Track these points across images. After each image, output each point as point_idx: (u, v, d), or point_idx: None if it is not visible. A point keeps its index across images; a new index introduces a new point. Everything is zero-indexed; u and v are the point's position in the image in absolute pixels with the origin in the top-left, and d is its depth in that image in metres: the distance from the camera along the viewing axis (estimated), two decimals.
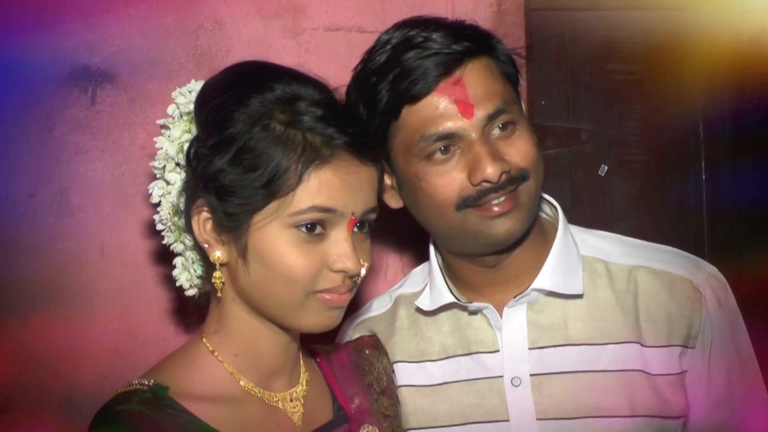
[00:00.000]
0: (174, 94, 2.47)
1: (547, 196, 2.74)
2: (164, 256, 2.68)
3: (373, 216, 2.39)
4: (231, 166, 2.29)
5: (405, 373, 2.69)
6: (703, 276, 2.61)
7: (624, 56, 3.46)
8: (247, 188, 2.28)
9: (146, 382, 2.32)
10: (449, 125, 2.46)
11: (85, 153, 2.91)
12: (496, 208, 2.48)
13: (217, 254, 2.35)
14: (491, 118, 2.47)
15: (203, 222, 2.35)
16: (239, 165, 2.29)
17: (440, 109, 2.46)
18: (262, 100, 2.32)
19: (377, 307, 2.83)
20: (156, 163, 2.44)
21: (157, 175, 2.45)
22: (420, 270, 2.79)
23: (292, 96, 2.34)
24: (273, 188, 2.27)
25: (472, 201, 2.47)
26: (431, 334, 2.70)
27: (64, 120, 2.91)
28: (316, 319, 2.35)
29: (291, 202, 2.27)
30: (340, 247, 2.31)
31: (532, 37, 3.39)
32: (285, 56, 3.04)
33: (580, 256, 2.64)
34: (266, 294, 2.33)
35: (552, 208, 2.72)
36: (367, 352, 2.70)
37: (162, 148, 2.44)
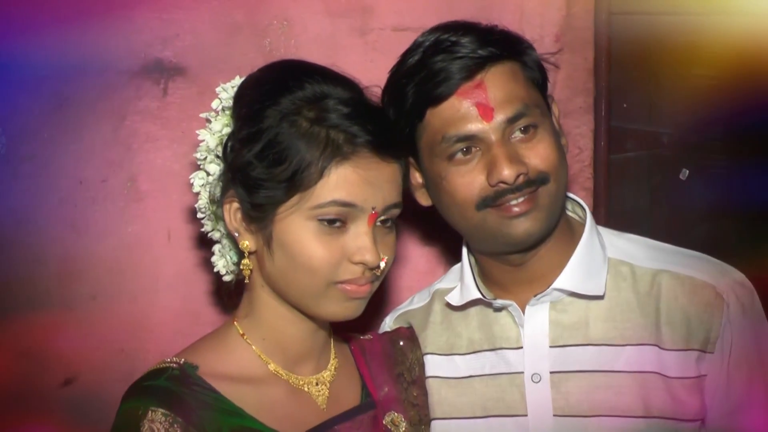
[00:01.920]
0: (218, 89, 2.62)
1: (575, 197, 2.81)
2: None
3: (395, 211, 2.52)
4: (258, 160, 2.44)
5: (434, 365, 2.80)
6: (727, 282, 2.65)
7: (707, 61, 3.46)
8: (272, 181, 2.43)
9: (177, 361, 2.49)
10: (470, 127, 2.55)
11: (155, 142, 3.09)
12: (515, 209, 2.56)
13: (246, 243, 2.50)
14: (511, 122, 2.56)
15: (234, 212, 2.50)
16: (266, 158, 2.44)
17: (461, 111, 2.56)
18: (292, 98, 2.47)
19: (417, 301, 2.95)
20: (198, 155, 2.60)
21: (200, 166, 2.59)
22: (457, 267, 2.89)
23: (320, 94, 2.48)
24: (296, 182, 2.42)
25: (491, 201, 2.56)
26: (460, 329, 2.80)
27: (136, 110, 3.11)
28: (336, 308, 2.49)
29: (313, 195, 2.42)
30: (360, 240, 2.44)
31: (611, 41, 3.42)
32: (352, 54, 3.16)
33: (605, 258, 2.70)
34: (289, 282, 2.47)
35: (581, 209, 2.76)
36: (401, 343, 2.82)
37: (204, 141, 2.59)
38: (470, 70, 2.55)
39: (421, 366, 2.81)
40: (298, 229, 2.44)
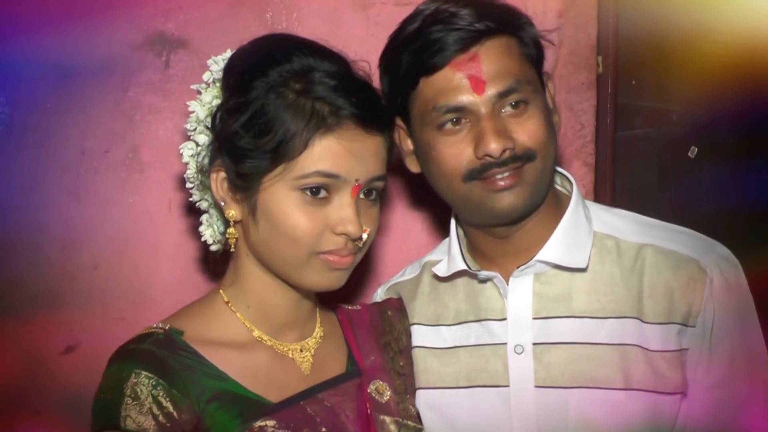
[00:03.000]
0: (209, 61, 2.68)
1: (564, 171, 2.84)
2: None
3: (379, 184, 2.58)
4: (245, 129, 2.50)
5: (420, 335, 2.85)
6: (712, 257, 2.67)
7: (718, 38, 3.46)
8: (257, 151, 2.49)
9: (163, 326, 2.56)
10: (460, 99, 2.59)
11: (157, 113, 3.14)
12: (500, 183, 2.60)
13: (231, 212, 2.56)
14: (502, 96, 2.59)
15: (220, 181, 2.56)
16: (252, 128, 2.50)
17: (454, 82, 2.59)
18: (280, 71, 2.53)
19: (409, 273, 3.00)
20: (188, 125, 2.66)
21: (190, 137, 2.65)
22: (447, 239, 2.92)
23: (308, 68, 2.54)
24: (281, 152, 2.48)
25: (477, 174, 2.60)
26: (448, 300, 2.84)
27: (139, 82, 3.15)
28: (318, 278, 2.55)
29: (297, 166, 2.48)
30: (343, 212, 2.50)
31: (619, 18, 3.43)
32: (353, 29, 3.20)
33: (591, 231, 2.73)
34: (272, 251, 2.53)
35: (570, 183, 2.79)
36: (389, 313, 2.88)
37: (194, 112, 2.64)
38: (465, 42, 2.59)
39: (409, 336, 2.86)
40: (282, 198, 2.49)
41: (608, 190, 3.46)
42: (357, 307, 2.88)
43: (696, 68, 3.50)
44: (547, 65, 3.18)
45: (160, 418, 2.40)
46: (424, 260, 2.97)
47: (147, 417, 2.40)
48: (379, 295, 3.02)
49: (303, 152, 2.47)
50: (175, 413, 2.42)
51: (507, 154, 2.58)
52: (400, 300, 2.93)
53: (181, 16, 3.16)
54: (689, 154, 3.53)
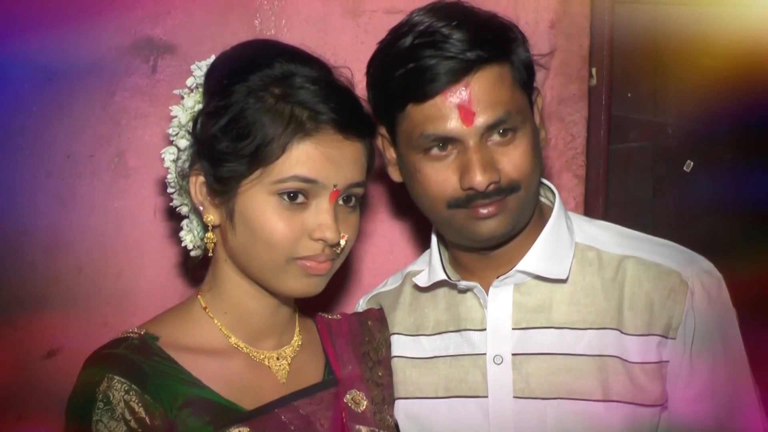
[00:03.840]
0: (193, 66, 2.68)
1: (547, 182, 2.82)
2: None
3: (358, 190, 2.57)
4: (223, 133, 2.50)
5: (400, 345, 2.83)
6: (694, 270, 2.66)
7: (714, 51, 3.46)
8: (236, 155, 2.48)
9: (138, 331, 2.55)
10: (449, 128, 2.57)
11: (144, 118, 3.13)
12: (483, 211, 2.58)
13: (210, 216, 2.56)
14: (491, 127, 2.57)
15: (199, 185, 2.56)
16: (231, 132, 2.50)
17: (443, 111, 2.57)
18: (260, 76, 2.53)
19: (391, 283, 2.99)
20: (170, 130, 2.65)
21: (172, 141, 2.65)
22: (429, 250, 2.90)
23: (288, 73, 2.54)
24: (259, 156, 2.47)
25: (462, 203, 2.59)
26: (428, 310, 2.83)
27: (126, 86, 3.14)
28: (295, 284, 2.54)
29: (274, 170, 2.47)
30: (321, 217, 2.49)
31: (614, 30, 3.42)
32: (343, 36, 3.19)
33: (572, 242, 2.72)
34: (250, 256, 2.53)
35: (552, 194, 2.77)
36: (369, 323, 2.87)
37: (176, 116, 2.63)
38: (457, 73, 2.55)
39: (389, 346, 2.85)
40: (260, 203, 2.48)
41: (601, 203, 3.44)
42: (337, 316, 2.87)
43: (692, 81, 3.50)
44: (538, 76, 3.18)
45: (132, 423, 2.39)
46: (406, 270, 2.96)
47: (119, 422, 2.39)
48: (361, 305, 3.01)
49: (281, 157, 2.46)
50: (147, 419, 2.41)
51: (492, 187, 2.56)
52: (381, 310, 2.92)
53: (169, 21, 3.15)
54: (685, 168, 3.52)
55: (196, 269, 2.70)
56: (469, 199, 2.57)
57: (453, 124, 2.56)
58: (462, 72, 2.55)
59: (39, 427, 3.04)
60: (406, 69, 2.57)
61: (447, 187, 2.59)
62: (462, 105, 2.55)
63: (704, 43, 3.45)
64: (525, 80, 2.66)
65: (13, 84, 3.07)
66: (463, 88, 2.55)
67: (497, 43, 2.61)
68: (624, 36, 3.45)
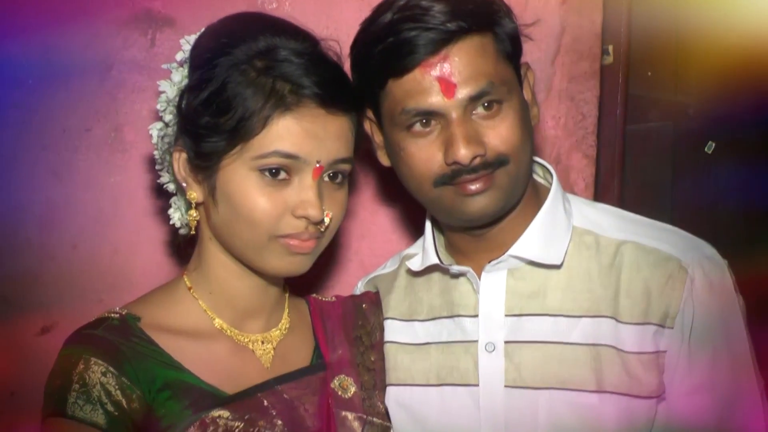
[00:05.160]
0: (182, 41, 2.62)
1: (544, 162, 2.73)
2: None
3: (345, 167, 2.50)
4: (204, 107, 2.44)
5: (393, 330, 2.76)
6: (695, 256, 2.55)
7: (740, 30, 3.34)
8: (217, 129, 2.43)
9: (120, 312, 2.50)
10: (430, 102, 2.49)
11: (141, 92, 3.06)
12: (471, 187, 2.50)
13: (193, 194, 2.50)
14: (473, 99, 2.48)
15: (182, 162, 2.51)
16: (212, 107, 2.44)
17: (423, 85, 2.49)
18: (244, 49, 2.47)
19: (389, 266, 2.92)
20: (159, 106, 2.60)
21: (161, 117, 2.59)
22: None
23: (272, 46, 2.47)
24: (239, 131, 2.41)
25: (448, 179, 2.51)
26: (422, 294, 2.76)
27: (123, 60, 3.07)
28: (279, 262, 2.48)
29: (255, 145, 2.41)
30: (304, 194, 2.43)
31: (633, 6, 3.32)
32: (346, 11, 3.10)
33: (569, 226, 2.63)
34: (233, 234, 2.47)
35: (549, 174, 2.68)
36: (364, 306, 2.80)
37: (164, 92, 2.57)
38: (436, 43, 2.47)
39: (382, 331, 2.78)
40: (241, 179, 2.42)
41: (616, 185, 3.35)
42: (332, 298, 2.81)
43: (715, 60, 3.40)
44: (548, 53, 3.11)
45: (108, 406, 2.35)
46: (403, 253, 2.89)
47: (95, 405, 2.34)
48: (359, 288, 2.94)
49: (261, 131, 2.40)
50: (123, 401, 2.36)
51: (477, 161, 2.48)
52: (377, 294, 2.84)
53: None
54: (706, 150, 3.42)
55: (184, 248, 2.64)
56: (455, 174, 2.49)
57: (434, 97, 2.47)
58: (441, 43, 2.47)
59: (32, 403, 2.99)
60: (385, 44, 2.50)
61: (432, 164, 2.51)
62: (442, 77, 2.47)
63: (727, 19, 3.34)
64: (510, 52, 2.57)
65: (8, 57, 3.02)
66: (443, 60, 2.47)
67: (479, 13, 2.52)
68: (643, 13, 3.35)
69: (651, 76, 3.42)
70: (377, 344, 2.74)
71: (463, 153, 2.45)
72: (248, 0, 3.10)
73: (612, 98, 3.32)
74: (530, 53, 3.11)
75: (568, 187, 3.19)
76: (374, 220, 3.21)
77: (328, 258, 3.13)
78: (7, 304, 3.06)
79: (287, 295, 2.68)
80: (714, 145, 3.41)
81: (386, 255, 3.03)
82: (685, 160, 3.46)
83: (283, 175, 2.41)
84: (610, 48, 3.31)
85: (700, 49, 3.39)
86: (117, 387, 2.36)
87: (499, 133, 2.50)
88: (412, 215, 3.12)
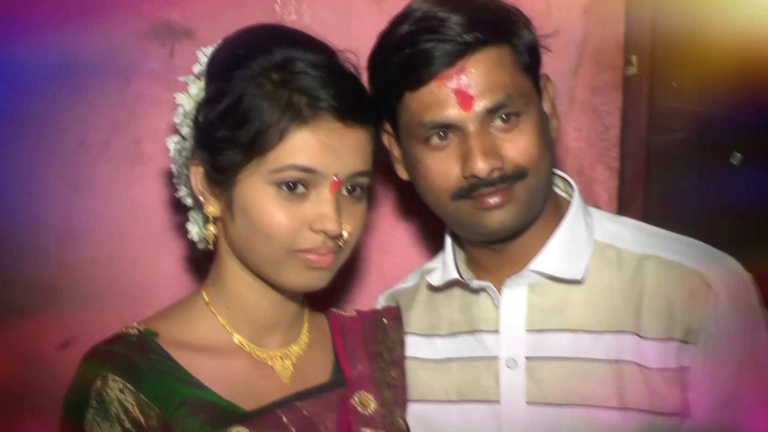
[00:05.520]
0: (198, 53, 2.60)
1: (565, 175, 2.71)
2: None
3: (363, 180, 2.47)
4: (221, 121, 2.42)
5: (414, 346, 2.73)
6: (719, 271, 2.51)
7: (764, 39, 3.27)
8: (233, 143, 2.40)
9: (138, 327, 2.48)
10: (447, 114, 2.46)
11: (160, 105, 3.04)
12: (489, 200, 2.48)
13: (211, 208, 2.49)
14: (491, 111, 2.46)
15: (199, 176, 2.49)
16: (228, 120, 2.41)
17: (440, 97, 2.47)
18: (261, 62, 2.44)
19: (410, 279, 2.89)
20: (176, 119, 2.58)
21: (178, 130, 2.58)
22: None
23: (289, 58, 2.45)
24: (256, 144, 2.39)
25: (466, 192, 2.49)
26: (443, 310, 2.73)
27: (142, 72, 3.07)
28: (297, 277, 2.45)
29: (272, 159, 2.39)
30: (321, 208, 2.40)
31: (657, 15, 3.29)
32: (366, 21, 3.07)
33: (591, 240, 2.60)
34: (251, 249, 2.44)
35: (570, 188, 2.66)
36: (385, 321, 2.77)
37: (181, 104, 2.55)
38: (453, 55, 2.45)
39: (403, 346, 2.75)
40: (258, 193, 2.40)
41: (640, 197, 3.31)
42: (352, 313, 2.78)
43: (741, 70, 3.35)
44: (570, 64, 3.08)
45: (126, 423, 2.33)
46: (423, 268, 2.87)
47: (112, 422, 2.32)
48: (380, 302, 2.91)
49: (278, 145, 2.38)
50: (141, 419, 2.34)
51: (495, 174, 2.45)
52: (398, 309, 2.82)
53: (187, 6, 3.08)
54: (732, 161, 3.37)
55: (202, 262, 2.62)
56: (473, 187, 2.47)
57: (451, 110, 2.45)
58: (458, 54, 2.45)
59: (52, 418, 2.99)
60: (402, 56, 2.49)
61: (449, 178, 2.49)
62: (459, 89, 2.45)
63: (754, 29, 3.29)
64: (528, 64, 2.54)
65: (27, 69, 3.02)
66: (460, 72, 2.45)
67: (496, 24, 2.50)
68: (667, 22, 3.31)
69: (676, 86, 3.38)
70: (398, 360, 2.71)
71: (481, 166, 2.43)
72: (267, 11, 3.09)
73: (636, 109, 3.28)
74: (552, 64, 3.08)
75: (591, 199, 3.16)
76: (396, 233, 3.19)
77: (350, 272, 3.12)
78: (27, 317, 3.06)
79: (307, 309, 2.66)
80: (740, 156, 3.37)
81: (408, 269, 3.00)
82: (711, 172, 3.42)
83: (300, 188, 2.39)
84: (634, 58, 3.27)
85: (726, 59, 3.34)
86: (135, 404, 2.34)
87: (517, 145, 2.47)
88: (434, 229, 3.09)
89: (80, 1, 3.01)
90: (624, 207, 3.24)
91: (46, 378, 3.03)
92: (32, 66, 3.02)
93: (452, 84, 2.45)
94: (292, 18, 3.10)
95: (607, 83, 3.20)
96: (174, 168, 2.59)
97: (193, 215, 2.62)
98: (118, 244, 3.08)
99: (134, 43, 3.07)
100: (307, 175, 2.38)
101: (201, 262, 2.65)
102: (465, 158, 2.45)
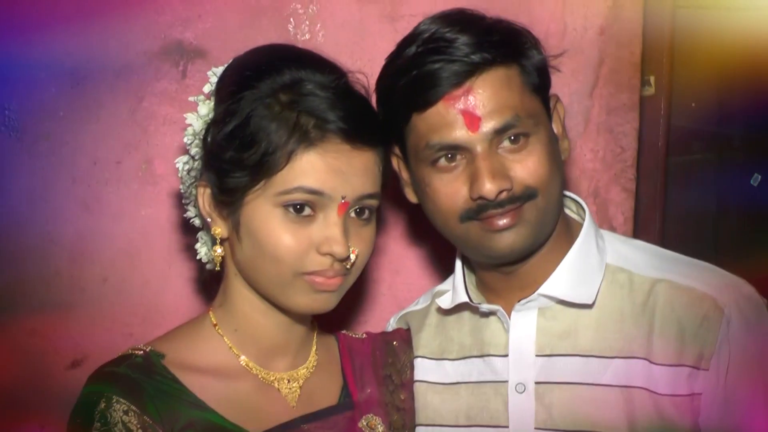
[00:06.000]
0: (209, 73, 2.60)
1: (577, 197, 2.69)
2: None
3: (372, 202, 2.47)
4: (228, 142, 2.42)
5: (423, 369, 2.72)
6: (732, 295, 2.49)
7: None
8: (241, 164, 2.40)
9: (144, 349, 2.48)
10: (454, 136, 2.46)
11: (172, 125, 3.05)
12: (498, 222, 2.47)
13: (218, 229, 2.48)
14: (499, 132, 2.45)
15: (207, 197, 2.49)
16: (235, 140, 2.41)
17: (447, 119, 2.46)
18: (270, 83, 2.44)
19: (422, 302, 2.88)
20: (185, 139, 2.57)
21: (188, 150, 2.57)
22: None
23: (298, 79, 2.44)
24: (263, 166, 2.38)
25: (474, 214, 2.48)
26: (453, 333, 2.72)
27: (154, 92, 3.08)
28: (304, 300, 2.44)
29: (279, 181, 2.38)
30: (329, 231, 2.40)
31: (675, 36, 3.28)
32: (380, 42, 3.07)
33: (602, 264, 2.58)
34: (257, 271, 2.44)
35: (582, 210, 2.64)
36: (395, 343, 2.76)
37: (191, 125, 2.55)
38: (459, 76, 2.45)
39: (413, 369, 2.74)
40: (265, 215, 2.40)
41: (658, 218, 3.30)
42: (362, 335, 2.77)
43: (761, 91, 3.33)
44: (586, 84, 3.07)
45: None
46: (435, 290, 2.85)
47: None
48: (391, 324, 2.91)
49: (285, 167, 2.37)
50: None
51: (504, 195, 2.44)
52: (408, 331, 2.81)
53: (200, 25, 3.08)
54: (752, 182, 3.35)
55: (210, 284, 2.62)
56: (481, 209, 2.46)
57: (458, 131, 2.45)
58: (464, 75, 2.44)
59: None
60: (409, 77, 2.48)
61: (457, 199, 2.48)
62: (466, 110, 2.44)
63: None
64: (537, 84, 2.53)
65: (40, 88, 3.03)
66: (467, 93, 2.45)
67: (504, 45, 2.49)
68: (686, 43, 3.30)
69: (695, 107, 3.37)
70: (407, 383, 2.71)
71: (489, 188, 2.42)
72: (280, 31, 3.09)
73: (653, 130, 3.28)
74: (568, 85, 3.10)
75: (606, 221, 3.15)
76: (408, 254, 3.19)
77: (362, 293, 3.12)
78: (38, 336, 3.07)
79: (315, 332, 2.65)
80: (760, 177, 3.35)
81: (420, 291, 3.00)
82: (730, 193, 3.40)
83: (307, 211, 2.39)
84: (652, 79, 3.27)
85: (745, 79, 3.34)
86: (139, 426, 2.34)
87: (526, 166, 2.46)
88: (447, 251, 3.06)
89: (93, 20, 3.02)
90: (640, 228, 3.23)
91: (56, 396, 3.02)
92: (45, 85, 3.03)
93: (459, 105, 2.44)
94: (305, 38, 3.10)
95: (623, 104, 3.19)
96: (182, 188, 2.59)
97: (202, 236, 2.62)
98: (130, 264, 3.09)
99: (147, 62, 3.07)
100: (314, 198, 2.38)
101: (209, 284, 2.64)
102: (473, 180, 2.44)
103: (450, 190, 2.48)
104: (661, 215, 3.30)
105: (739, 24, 3.31)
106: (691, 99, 3.37)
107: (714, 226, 3.41)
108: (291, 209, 2.38)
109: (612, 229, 3.16)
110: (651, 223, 3.28)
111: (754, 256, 3.32)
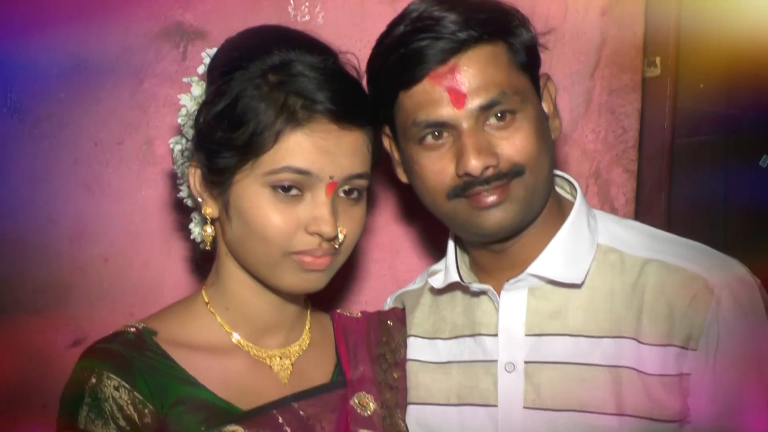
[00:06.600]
0: (203, 54, 2.63)
1: (569, 177, 2.70)
2: None
3: (361, 182, 2.50)
4: (217, 122, 2.46)
5: (416, 348, 2.75)
6: (723, 277, 2.49)
7: None
8: (229, 145, 2.44)
9: (137, 325, 2.53)
10: (440, 113, 2.48)
11: (173, 106, 3.07)
12: (486, 199, 2.49)
13: (208, 209, 2.52)
14: (485, 109, 2.47)
15: (198, 177, 2.52)
16: (224, 121, 2.45)
17: (433, 96, 2.48)
18: (260, 64, 2.47)
19: (418, 281, 2.91)
20: (179, 120, 2.61)
21: (182, 131, 2.61)
22: None
23: (287, 60, 2.47)
24: (251, 146, 2.42)
25: (460, 191, 2.50)
26: (446, 312, 2.74)
27: (155, 73, 3.11)
28: (293, 279, 2.48)
29: (267, 161, 2.42)
30: (317, 210, 2.43)
31: (682, 16, 3.27)
32: (380, 23, 3.01)
33: (594, 243, 2.59)
34: (247, 250, 2.48)
35: (575, 190, 2.65)
36: (390, 323, 2.80)
37: (185, 105, 2.59)
38: (445, 53, 2.47)
39: (406, 348, 2.77)
40: (253, 195, 2.43)
41: (663, 200, 3.30)
42: (357, 314, 2.81)
43: None
44: (588, 65, 3.08)
45: (120, 421, 2.37)
46: (430, 269, 2.88)
47: (107, 420, 2.37)
48: (388, 303, 2.94)
49: (273, 147, 2.41)
50: (135, 416, 2.38)
51: (490, 171, 2.46)
52: (403, 310, 2.84)
53: (200, 7, 3.11)
54: (761, 164, 3.35)
55: (203, 263, 2.65)
56: (467, 186, 2.48)
57: (444, 108, 2.47)
58: (450, 52, 2.46)
59: None
60: (396, 55, 2.50)
61: (444, 177, 2.50)
62: (452, 87, 2.46)
63: None
64: (525, 62, 2.54)
65: (41, 70, 3.06)
66: (452, 70, 2.46)
67: (491, 22, 2.50)
68: (692, 23, 3.30)
69: (703, 87, 3.36)
70: (401, 362, 2.74)
71: (474, 164, 2.44)
72: (280, 13, 3.12)
73: (658, 111, 3.28)
74: (569, 65, 3.11)
75: (608, 202, 3.16)
76: (409, 235, 3.21)
77: (363, 273, 3.15)
78: (39, 317, 3.10)
79: (309, 310, 2.69)
80: None
81: (421, 271, 3.02)
82: (738, 174, 3.39)
83: (295, 191, 2.42)
84: (658, 60, 3.26)
85: (753, 59, 3.33)
86: (129, 402, 2.38)
87: (512, 143, 2.48)
88: (446, 230, 3.11)
89: (94, 2, 3.05)
90: (643, 210, 3.23)
91: (57, 376, 3.02)
92: (46, 67, 3.06)
93: (445, 82, 2.46)
94: (305, 19, 3.12)
95: (625, 85, 3.20)
96: (176, 169, 2.62)
97: (196, 216, 2.65)
98: (130, 244, 3.12)
99: (147, 44, 3.10)
100: (301, 178, 2.41)
101: (202, 263, 2.67)
102: (459, 156, 2.46)
103: (437, 167, 2.50)
104: (667, 197, 3.30)
105: (749, 2, 3.29)
106: (699, 80, 3.35)
107: (722, 208, 3.40)
108: (279, 189, 2.42)
109: (613, 210, 3.17)
110: (655, 204, 3.28)
111: (763, 238, 3.31)
